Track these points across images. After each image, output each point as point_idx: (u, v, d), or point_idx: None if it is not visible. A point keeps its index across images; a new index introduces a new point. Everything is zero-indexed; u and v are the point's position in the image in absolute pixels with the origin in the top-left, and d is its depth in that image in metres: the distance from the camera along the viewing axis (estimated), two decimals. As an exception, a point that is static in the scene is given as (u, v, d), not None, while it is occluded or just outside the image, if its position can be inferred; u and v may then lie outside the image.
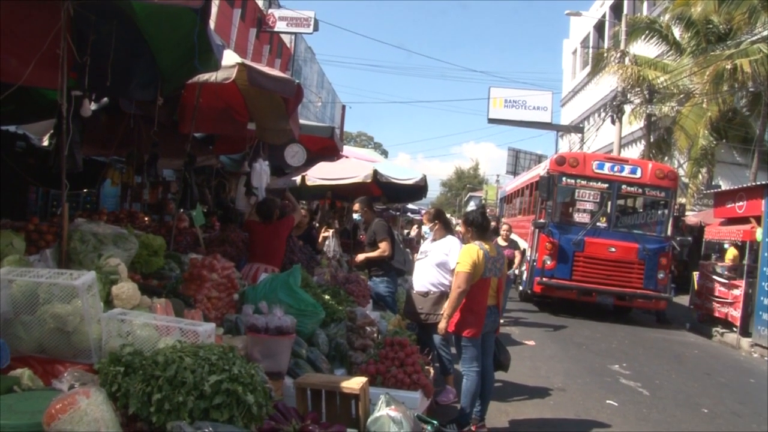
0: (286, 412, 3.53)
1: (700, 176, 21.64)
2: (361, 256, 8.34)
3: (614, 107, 22.86)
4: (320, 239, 10.84)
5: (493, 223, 14.90)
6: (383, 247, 7.96)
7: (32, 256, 4.54)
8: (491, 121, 37.04)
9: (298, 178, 11.60)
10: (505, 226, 11.98)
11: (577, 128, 36.77)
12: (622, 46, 23.05)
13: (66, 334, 3.39)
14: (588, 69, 32.38)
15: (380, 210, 16.60)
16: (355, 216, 8.61)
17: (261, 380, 3.20)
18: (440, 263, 6.62)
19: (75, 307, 3.37)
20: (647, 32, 23.10)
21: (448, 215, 7.72)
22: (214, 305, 5.25)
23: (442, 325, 5.78)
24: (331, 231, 10.44)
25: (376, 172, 11.30)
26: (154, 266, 5.43)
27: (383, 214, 14.86)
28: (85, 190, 11.39)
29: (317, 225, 13.08)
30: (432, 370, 5.80)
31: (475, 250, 5.73)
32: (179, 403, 2.83)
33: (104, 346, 3.44)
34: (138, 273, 5.13)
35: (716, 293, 14.00)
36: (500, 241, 10.99)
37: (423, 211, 37.33)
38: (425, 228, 7.74)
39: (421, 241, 17.27)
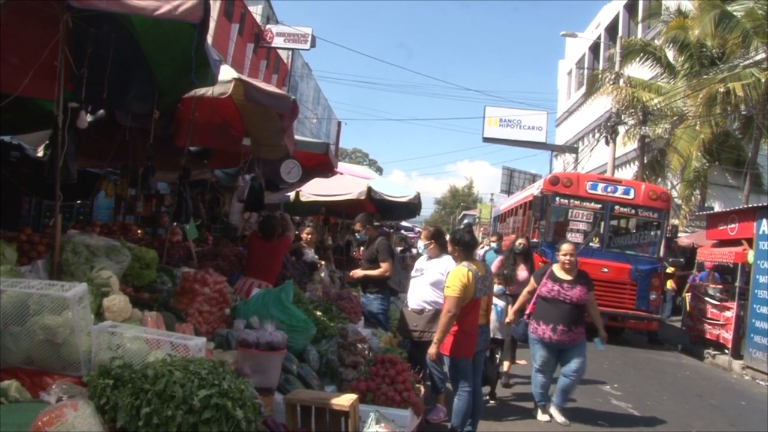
0: (275, 428, 3.51)
1: (692, 198, 21.77)
2: (359, 273, 8.32)
3: (608, 128, 23.02)
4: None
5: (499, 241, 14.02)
6: (385, 267, 7.98)
7: (24, 266, 4.51)
8: (486, 140, 37.23)
9: (292, 194, 11.63)
10: (568, 255, 7.21)
11: (571, 148, 36.96)
12: (616, 68, 23.27)
13: (55, 346, 3.36)
14: (583, 90, 32.67)
15: (375, 226, 16.60)
16: (357, 235, 8.67)
17: (251, 395, 3.19)
18: (435, 282, 6.59)
19: (65, 319, 3.35)
20: (642, 55, 23.33)
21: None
22: (206, 319, 5.22)
23: (432, 351, 5.75)
24: (323, 263, 10.40)
25: (370, 189, 11.34)
26: (146, 279, 5.41)
27: (382, 231, 14.87)
28: (78, 202, 11.35)
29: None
30: (423, 388, 5.77)
31: (464, 272, 5.70)
32: (168, 417, 2.81)
33: (94, 359, 3.42)
34: (130, 286, 5.10)
35: (708, 315, 14.03)
36: (558, 273, 7.24)
37: (417, 228, 37.33)
38: (420, 243, 7.80)
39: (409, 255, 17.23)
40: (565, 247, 7.24)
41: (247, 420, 3.00)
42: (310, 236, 9.86)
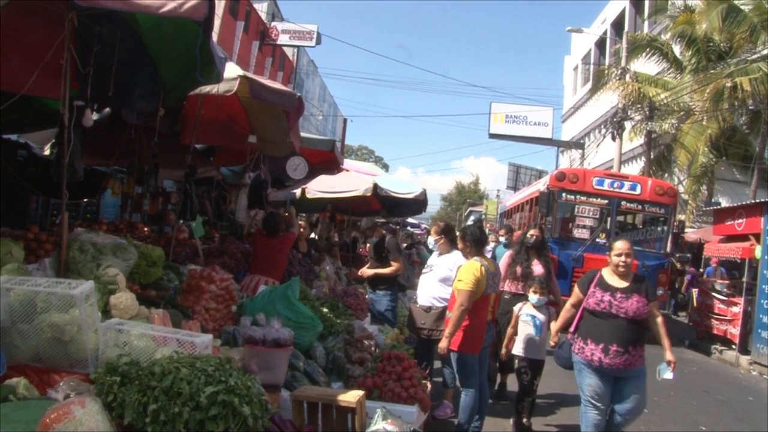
0: (282, 424, 3.52)
1: (699, 193, 21.66)
2: (369, 272, 8.35)
3: (615, 124, 22.91)
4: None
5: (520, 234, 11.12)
6: (396, 266, 8.04)
7: (31, 264, 4.54)
8: (492, 136, 37.18)
9: (298, 191, 11.63)
10: (623, 256, 5.39)
11: (577, 144, 36.87)
12: (623, 63, 23.17)
13: (63, 344, 3.38)
14: (589, 85, 32.53)
15: (381, 223, 16.63)
16: (368, 240, 8.80)
17: (257, 392, 3.20)
18: (444, 278, 6.56)
19: (72, 317, 3.37)
20: (648, 50, 23.24)
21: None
22: (212, 316, 5.24)
23: (443, 345, 5.73)
24: (325, 259, 10.43)
25: (376, 186, 11.31)
26: (152, 277, 5.43)
27: (388, 228, 14.89)
28: (85, 200, 11.38)
29: (317, 237, 13.09)
30: (429, 385, 5.77)
31: (477, 267, 5.68)
32: (175, 414, 2.82)
33: (101, 356, 3.44)
34: (136, 283, 5.13)
35: (715, 310, 13.98)
36: (610, 278, 5.47)
37: (423, 225, 37.13)
38: (430, 239, 7.67)
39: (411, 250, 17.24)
40: (619, 245, 5.44)
41: (253, 416, 3.01)
42: (302, 230, 9.88)
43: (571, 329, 5.63)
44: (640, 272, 13.08)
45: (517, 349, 6.76)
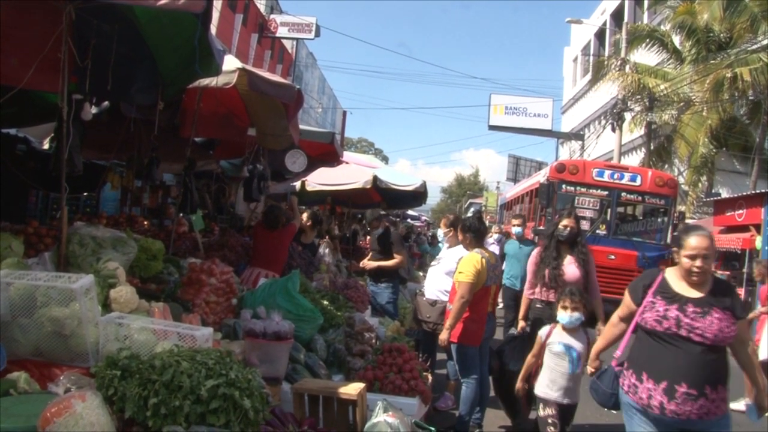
0: (283, 417, 3.52)
1: (699, 184, 21.65)
2: (372, 264, 8.35)
3: (614, 115, 22.89)
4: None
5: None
6: (400, 259, 8.07)
7: (31, 259, 4.53)
8: (492, 128, 37.15)
9: (297, 184, 11.63)
10: (699, 259, 3.58)
11: (577, 135, 36.86)
12: (622, 54, 23.12)
13: (63, 338, 3.38)
14: (588, 76, 32.49)
15: (382, 216, 16.64)
16: (378, 231, 8.85)
17: (258, 385, 3.20)
18: (450, 271, 6.54)
19: (73, 311, 3.37)
20: (648, 40, 23.20)
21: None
22: (213, 310, 5.24)
23: (443, 336, 5.74)
24: (324, 242, 10.45)
25: (375, 178, 11.31)
26: (152, 270, 5.42)
27: (388, 220, 14.90)
28: (84, 194, 11.37)
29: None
30: (430, 377, 5.78)
31: (477, 259, 5.69)
32: (175, 407, 2.82)
33: (101, 350, 3.44)
34: (136, 277, 5.12)
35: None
36: (677, 285, 3.71)
37: (423, 217, 37.01)
38: (440, 232, 7.61)
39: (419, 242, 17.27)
40: (694, 242, 3.63)
41: (254, 409, 3.00)
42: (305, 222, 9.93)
43: (617, 354, 4.05)
44: (640, 264, 13.28)
45: (543, 390, 5.04)
